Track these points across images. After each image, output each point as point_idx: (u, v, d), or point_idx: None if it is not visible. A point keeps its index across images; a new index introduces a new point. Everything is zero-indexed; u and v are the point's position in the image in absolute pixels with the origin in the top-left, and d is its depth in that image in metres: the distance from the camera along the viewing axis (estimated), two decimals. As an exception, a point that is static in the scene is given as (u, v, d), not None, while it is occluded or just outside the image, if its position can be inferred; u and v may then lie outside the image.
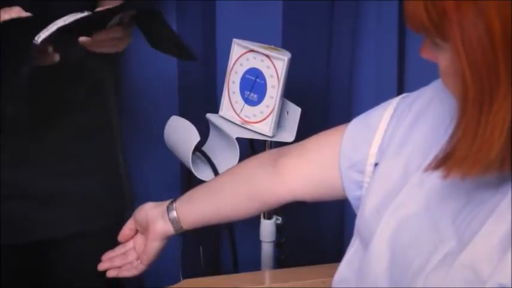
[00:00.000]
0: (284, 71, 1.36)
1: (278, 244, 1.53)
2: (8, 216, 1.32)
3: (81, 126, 1.36)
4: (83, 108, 1.35)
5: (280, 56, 1.37)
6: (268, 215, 1.49)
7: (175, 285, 1.19)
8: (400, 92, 1.55)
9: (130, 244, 1.17)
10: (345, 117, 1.64)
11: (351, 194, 1.00)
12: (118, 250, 1.17)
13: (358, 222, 0.95)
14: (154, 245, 1.13)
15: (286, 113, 1.43)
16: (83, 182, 1.36)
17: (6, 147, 1.30)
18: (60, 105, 1.33)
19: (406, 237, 0.84)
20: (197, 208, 1.11)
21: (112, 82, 1.46)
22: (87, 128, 1.37)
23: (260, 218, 1.50)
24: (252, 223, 1.44)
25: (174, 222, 1.11)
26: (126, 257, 1.16)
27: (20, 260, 1.39)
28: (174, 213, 1.11)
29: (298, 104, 1.42)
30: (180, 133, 1.48)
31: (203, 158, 1.49)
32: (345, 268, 0.98)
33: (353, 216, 1.01)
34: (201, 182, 1.21)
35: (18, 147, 1.31)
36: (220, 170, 1.45)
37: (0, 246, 1.34)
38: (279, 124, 1.43)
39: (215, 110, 1.50)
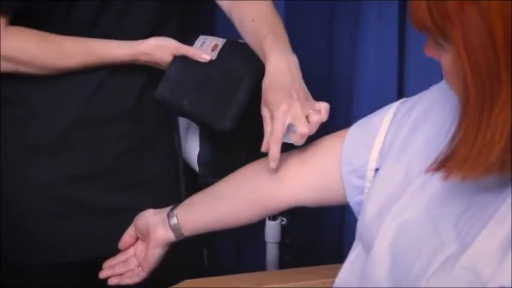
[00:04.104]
0: (290, 72, 1.35)
1: (283, 245, 1.53)
2: (66, 233, 1.32)
3: (137, 140, 1.35)
4: (139, 121, 1.35)
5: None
6: (273, 216, 1.48)
7: (175, 286, 1.19)
8: (400, 91, 1.55)
9: (131, 251, 1.17)
10: (345, 117, 1.63)
11: (352, 200, 1.00)
12: (119, 257, 1.17)
13: (360, 227, 0.95)
14: (155, 252, 1.12)
15: None
16: (141, 197, 1.34)
17: (65, 163, 1.30)
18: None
19: (407, 241, 0.84)
20: (198, 215, 1.11)
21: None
22: (144, 142, 1.37)
23: (265, 218, 1.49)
24: (255, 223, 1.44)
25: (175, 229, 1.10)
26: (127, 264, 1.16)
27: (78, 278, 1.36)
28: (174, 220, 1.10)
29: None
30: (186, 135, 1.47)
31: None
32: (347, 272, 0.99)
33: (352, 216, 1.01)
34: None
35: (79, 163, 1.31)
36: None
37: (58, 265, 1.33)
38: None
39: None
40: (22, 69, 1.23)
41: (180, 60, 1.24)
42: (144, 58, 1.25)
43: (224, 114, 1.19)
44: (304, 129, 1.02)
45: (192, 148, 1.44)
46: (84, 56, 1.23)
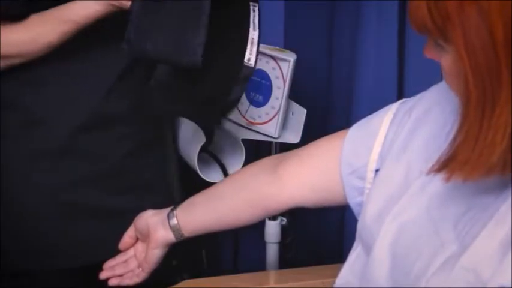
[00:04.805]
0: (290, 72, 1.36)
1: (283, 244, 1.53)
2: (68, 237, 1.32)
3: (139, 142, 1.35)
4: (141, 122, 1.34)
5: (286, 57, 1.37)
6: (273, 216, 1.49)
7: (175, 286, 1.19)
8: (400, 92, 1.55)
9: (131, 252, 1.17)
10: (345, 117, 1.64)
11: (352, 200, 1.00)
12: (119, 258, 1.17)
13: (360, 228, 0.95)
14: (155, 253, 1.12)
15: (291, 114, 1.43)
16: (142, 198, 1.34)
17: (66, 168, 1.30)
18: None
19: (407, 242, 0.84)
20: (198, 216, 1.11)
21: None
22: (145, 143, 1.36)
23: (265, 218, 1.49)
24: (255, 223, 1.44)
25: (175, 229, 1.10)
26: (127, 265, 1.16)
27: (78, 279, 1.35)
28: (174, 221, 1.10)
29: (299, 104, 1.42)
30: (186, 135, 1.47)
31: (210, 160, 1.49)
32: (347, 272, 0.98)
33: (352, 216, 1.01)
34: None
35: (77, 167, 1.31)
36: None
37: (61, 270, 1.33)
38: (283, 125, 1.42)
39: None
40: (14, 61, 1.21)
41: (140, 2, 1.13)
42: (116, 3, 1.16)
43: (190, 45, 1.10)
44: None
45: (192, 149, 1.45)
46: (61, 26, 1.18)
